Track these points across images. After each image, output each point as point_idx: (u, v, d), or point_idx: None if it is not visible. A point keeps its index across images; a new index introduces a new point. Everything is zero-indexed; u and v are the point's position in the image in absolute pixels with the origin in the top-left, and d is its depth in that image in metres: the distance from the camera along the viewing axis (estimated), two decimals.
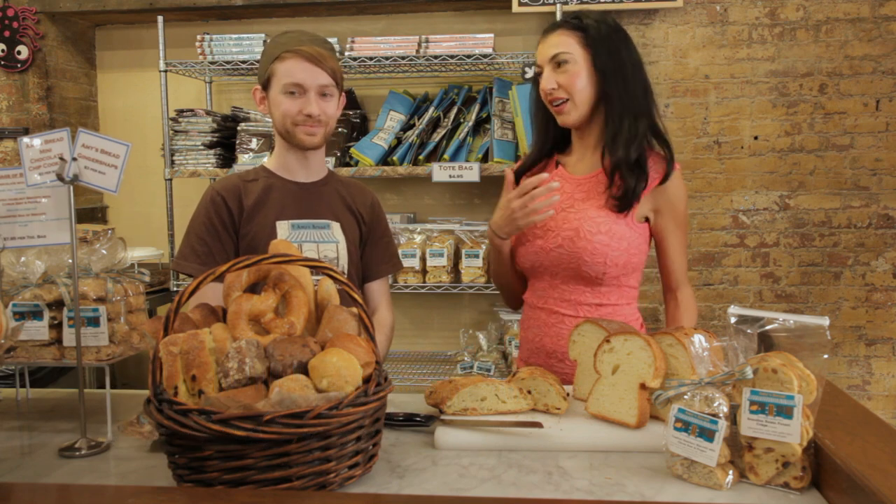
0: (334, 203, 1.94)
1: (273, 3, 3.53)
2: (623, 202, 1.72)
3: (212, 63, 3.37)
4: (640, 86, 1.75)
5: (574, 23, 1.75)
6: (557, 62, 1.74)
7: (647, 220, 1.79)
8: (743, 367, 1.15)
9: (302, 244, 1.85)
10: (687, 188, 1.85)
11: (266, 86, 1.85)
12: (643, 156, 1.72)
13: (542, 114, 1.84)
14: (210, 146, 3.40)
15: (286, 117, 1.82)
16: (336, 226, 1.91)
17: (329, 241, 1.89)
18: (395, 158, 3.30)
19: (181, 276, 3.30)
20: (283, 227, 1.85)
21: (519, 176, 1.87)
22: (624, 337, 1.37)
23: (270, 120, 1.92)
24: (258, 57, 3.33)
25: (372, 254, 2.00)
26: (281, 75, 1.80)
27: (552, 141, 1.88)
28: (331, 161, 3.25)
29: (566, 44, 1.73)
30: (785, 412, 1.10)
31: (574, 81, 1.72)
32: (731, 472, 1.14)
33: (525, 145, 3.09)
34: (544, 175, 1.68)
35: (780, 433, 1.10)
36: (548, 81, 1.75)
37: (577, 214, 1.75)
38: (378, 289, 2.02)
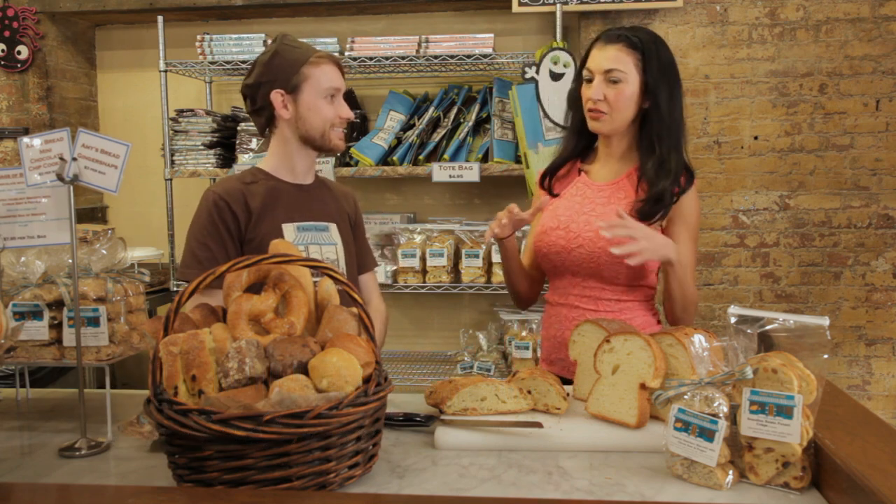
0: (329, 205, 1.95)
1: (273, 3, 3.53)
2: (646, 215, 1.76)
3: (212, 63, 3.37)
4: (679, 112, 1.80)
5: (634, 41, 1.77)
6: (611, 78, 1.76)
7: (661, 227, 1.83)
8: (743, 367, 1.15)
9: (308, 246, 1.85)
10: (700, 204, 1.85)
11: (294, 90, 1.83)
12: (678, 179, 1.78)
13: (579, 115, 1.88)
14: (210, 146, 3.40)
15: (326, 121, 1.85)
16: (334, 227, 1.92)
17: (330, 244, 1.89)
18: (395, 158, 3.30)
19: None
20: (289, 230, 1.84)
21: (546, 176, 1.97)
22: (624, 337, 1.37)
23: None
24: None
25: (358, 250, 2.02)
26: (319, 80, 1.83)
27: (585, 141, 1.92)
28: (331, 161, 3.24)
29: (624, 62, 1.76)
30: (785, 412, 1.10)
31: (620, 99, 1.76)
32: (731, 472, 1.14)
33: (525, 145, 3.09)
34: (546, 198, 1.83)
35: (780, 433, 1.10)
36: (596, 92, 1.77)
37: (599, 218, 1.80)
38: (369, 281, 2.07)
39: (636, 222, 1.67)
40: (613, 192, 1.84)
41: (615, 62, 1.76)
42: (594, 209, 1.83)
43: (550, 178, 1.95)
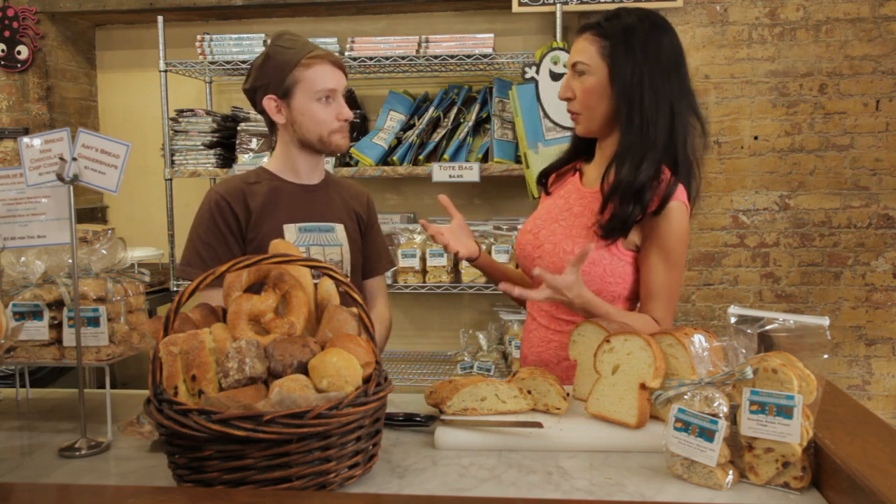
0: (336, 205, 1.93)
1: (273, 3, 3.53)
2: (609, 231, 1.58)
3: (212, 63, 3.37)
4: (666, 103, 1.58)
5: (603, 28, 1.60)
6: (578, 71, 1.63)
7: (637, 248, 1.64)
8: (743, 367, 1.15)
9: (309, 248, 1.84)
10: (688, 230, 1.62)
11: (286, 94, 1.79)
12: (649, 184, 1.56)
13: None
14: (210, 146, 3.40)
15: (323, 125, 1.80)
16: (340, 228, 1.91)
17: (334, 245, 1.88)
18: (395, 158, 3.30)
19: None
20: (290, 231, 1.83)
21: (545, 176, 1.84)
22: (624, 337, 1.37)
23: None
24: None
25: (370, 251, 2.00)
26: (312, 82, 1.77)
27: (585, 142, 1.76)
28: (331, 161, 3.25)
29: (587, 52, 1.61)
30: (785, 412, 1.10)
31: (587, 97, 1.62)
32: (731, 472, 1.14)
33: (525, 145, 3.09)
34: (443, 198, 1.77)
35: (780, 433, 1.10)
36: (564, 89, 1.65)
37: (562, 230, 1.68)
38: (376, 285, 2.04)
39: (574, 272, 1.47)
40: (590, 203, 1.67)
41: (580, 53, 1.61)
42: (567, 218, 1.68)
43: (547, 178, 1.83)
